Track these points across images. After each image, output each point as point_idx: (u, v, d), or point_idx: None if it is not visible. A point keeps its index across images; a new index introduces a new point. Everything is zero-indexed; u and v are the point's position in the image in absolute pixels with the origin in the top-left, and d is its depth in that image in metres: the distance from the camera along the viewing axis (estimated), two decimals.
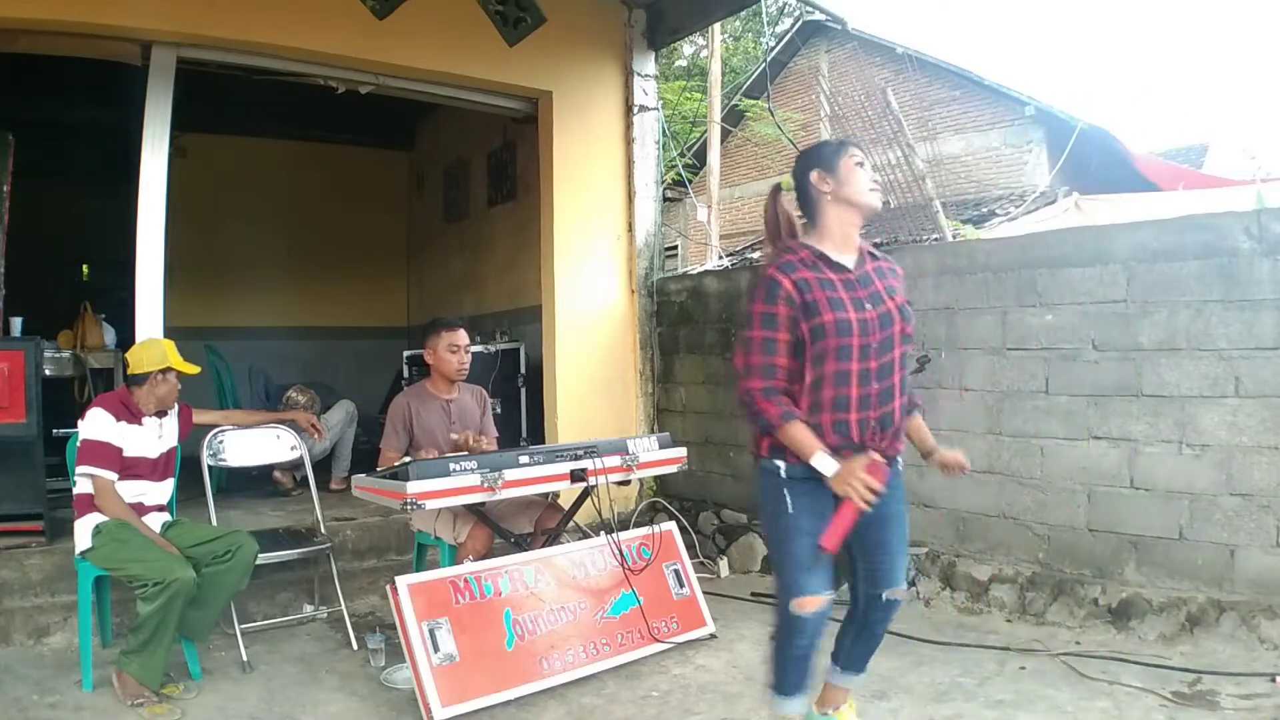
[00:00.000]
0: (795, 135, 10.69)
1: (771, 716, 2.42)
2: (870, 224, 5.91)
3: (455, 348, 3.63)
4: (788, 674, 2.32)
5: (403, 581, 2.97)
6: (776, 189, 2.43)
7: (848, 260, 2.28)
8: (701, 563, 4.78)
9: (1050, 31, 30.03)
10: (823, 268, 2.24)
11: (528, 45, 4.84)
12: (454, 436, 3.60)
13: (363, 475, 3.29)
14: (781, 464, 2.23)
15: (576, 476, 3.22)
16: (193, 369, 3.38)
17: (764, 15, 9.27)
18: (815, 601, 2.20)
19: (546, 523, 3.55)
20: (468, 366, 3.69)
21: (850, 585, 2.43)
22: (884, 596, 2.35)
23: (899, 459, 2.37)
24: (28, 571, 3.58)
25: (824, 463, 2.13)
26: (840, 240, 2.30)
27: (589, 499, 3.35)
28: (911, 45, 11.41)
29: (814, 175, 2.31)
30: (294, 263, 7.86)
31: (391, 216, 8.59)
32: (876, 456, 2.13)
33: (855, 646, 2.46)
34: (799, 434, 2.16)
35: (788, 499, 2.22)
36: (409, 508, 2.98)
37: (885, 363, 2.24)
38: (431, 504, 2.99)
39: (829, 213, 2.30)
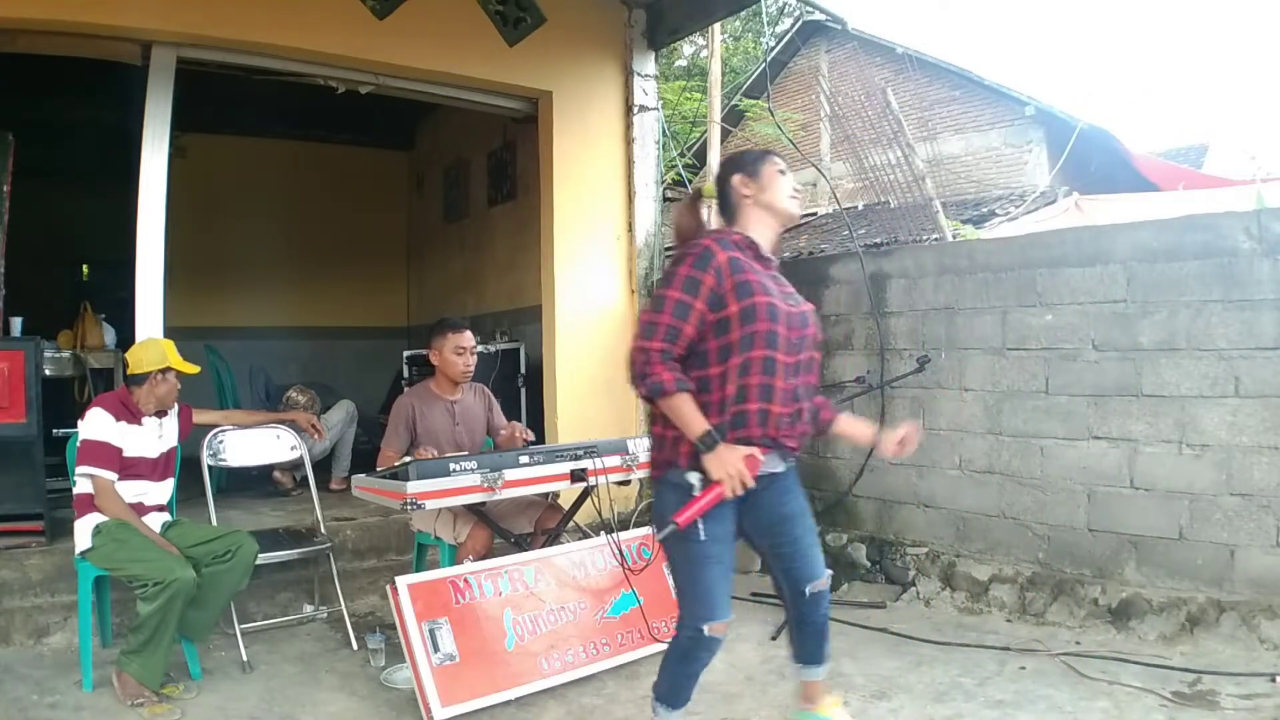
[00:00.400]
0: (795, 135, 10.67)
1: None
2: (871, 224, 5.94)
3: (461, 349, 3.63)
4: (684, 689, 2.35)
5: (403, 581, 2.97)
6: (697, 194, 2.44)
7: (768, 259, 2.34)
8: None
9: (1050, 31, 30.04)
10: (752, 255, 2.27)
11: (528, 45, 4.84)
12: (503, 433, 3.72)
13: (363, 475, 3.29)
14: (697, 480, 2.17)
15: (576, 476, 3.22)
16: (192, 369, 3.38)
17: (764, 15, 9.26)
18: (725, 625, 2.27)
19: (546, 523, 3.55)
20: (473, 368, 3.70)
21: (775, 586, 2.46)
22: (807, 591, 2.35)
23: (794, 457, 2.38)
24: (28, 571, 3.58)
25: (707, 441, 2.12)
26: (768, 244, 2.34)
27: (589, 499, 3.35)
28: (911, 45, 11.39)
29: (736, 179, 2.33)
30: (294, 263, 7.86)
31: (391, 216, 8.59)
32: (757, 451, 2.13)
33: (802, 641, 2.48)
34: (688, 408, 2.12)
35: (699, 523, 2.16)
36: (409, 508, 2.98)
37: (802, 360, 2.27)
38: (431, 504, 2.99)
39: (749, 216, 2.33)
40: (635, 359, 2.16)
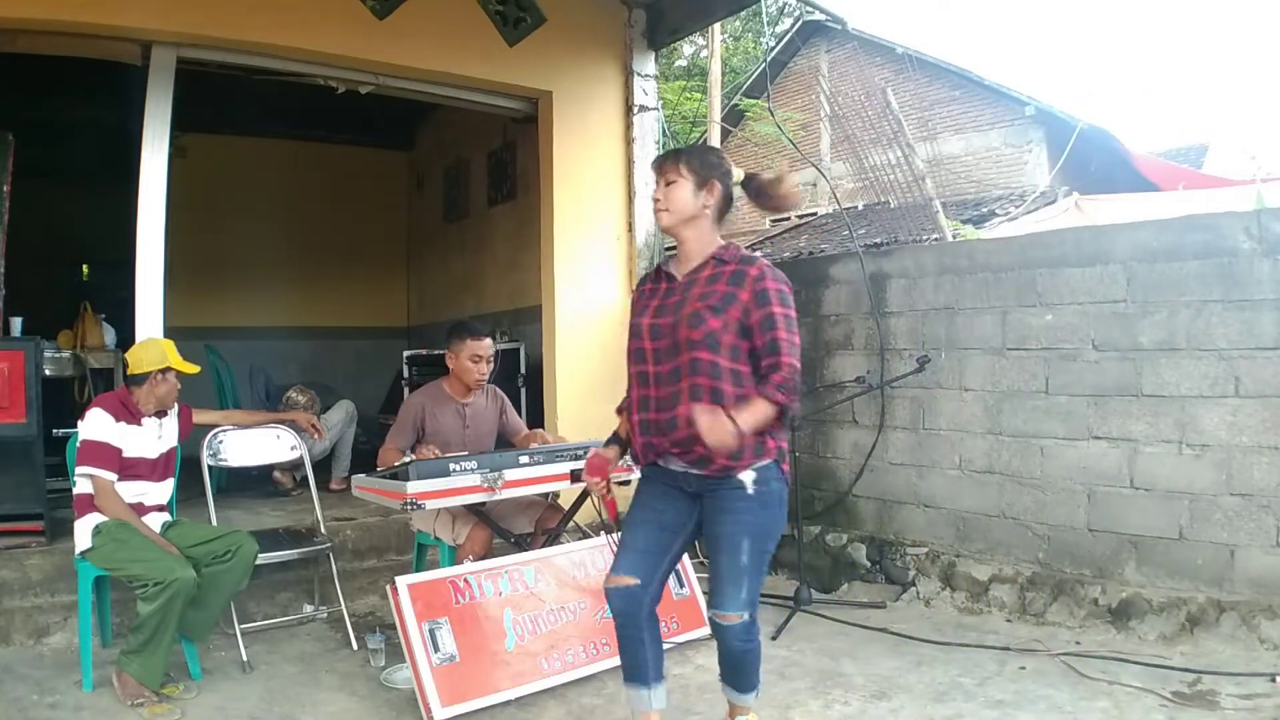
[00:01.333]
0: (795, 135, 10.68)
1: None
2: (871, 224, 5.93)
3: (478, 357, 3.60)
4: (623, 658, 2.43)
5: (403, 581, 2.97)
6: None
7: (681, 271, 2.41)
8: (701, 562, 4.77)
9: (1050, 31, 30.04)
10: (660, 279, 2.45)
11: (527, 45, 4.84)
12: (535, 445, 3.65)
13: (363, 475, 3.29)
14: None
15: (576, 476, 3.22)
16: (192, 369, 3.38)
17: (764, 15, 9.25)
18: (617, 580, 2.36)
19: (546, 523, 3.55)
20: (487, 375, 3.68)
21: None
22: (708, 615, 2.43)
23: (744, 480, 2.27)
24: (28, 571, 3.58)
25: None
26: (682, 254, 2.44)
27: (589, 499, 3.35)
28: (911, 45, 11.41)
29: None
30: (294, 263, 7.86)
31: (391, 216, 8.58)
32: (601, 451, 2.52)
33: (720, 661, 2.44)
34: (617, 424, 2.57)
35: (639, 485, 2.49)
36: (409, 508, 2.98)
37: (671, 368, 2.29)
38: (431, 504, 2.99)
39: None
40: None
